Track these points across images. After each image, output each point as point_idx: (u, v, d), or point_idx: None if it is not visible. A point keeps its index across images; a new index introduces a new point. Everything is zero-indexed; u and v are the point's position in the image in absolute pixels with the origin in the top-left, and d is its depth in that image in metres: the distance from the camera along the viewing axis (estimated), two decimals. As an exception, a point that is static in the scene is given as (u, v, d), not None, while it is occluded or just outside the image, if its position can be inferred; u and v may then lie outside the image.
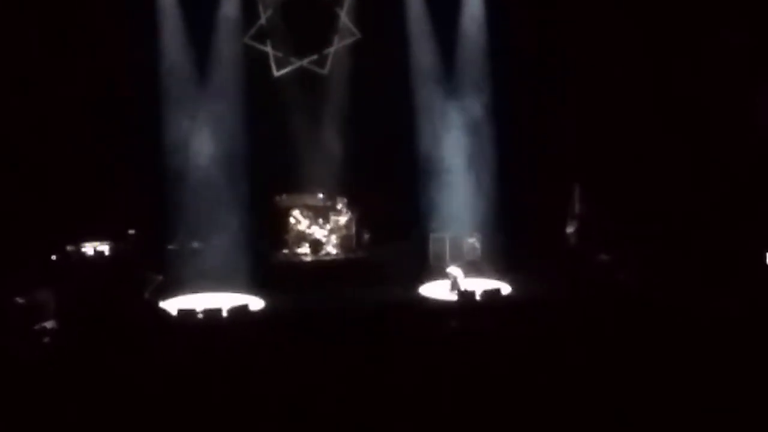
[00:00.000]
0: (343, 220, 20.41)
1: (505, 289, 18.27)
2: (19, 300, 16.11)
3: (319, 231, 20.24)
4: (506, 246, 19.64)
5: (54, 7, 18.77)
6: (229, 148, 19.47)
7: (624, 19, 19.79)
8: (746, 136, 19.47)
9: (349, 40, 20.71)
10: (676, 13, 19.61)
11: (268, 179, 20.07)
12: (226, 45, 20.02)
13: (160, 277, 18.26)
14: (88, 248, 18.69)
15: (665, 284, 16.80)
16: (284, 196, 20.59)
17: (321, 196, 20.64)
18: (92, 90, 18.87)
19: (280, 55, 20.57)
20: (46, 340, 15.49)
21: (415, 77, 20.73)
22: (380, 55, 20.32)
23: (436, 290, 18.67)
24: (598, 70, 19.97)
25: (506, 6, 20.19)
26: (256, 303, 17.64)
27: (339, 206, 20.47)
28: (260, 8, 20.36)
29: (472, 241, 20.23)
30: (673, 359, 12.52)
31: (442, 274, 19.04)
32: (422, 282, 19.03)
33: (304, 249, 20.21)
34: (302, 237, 20.28)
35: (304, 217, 20.30)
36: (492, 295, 17.42)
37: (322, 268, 19.90)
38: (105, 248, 18.77)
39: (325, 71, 20.73)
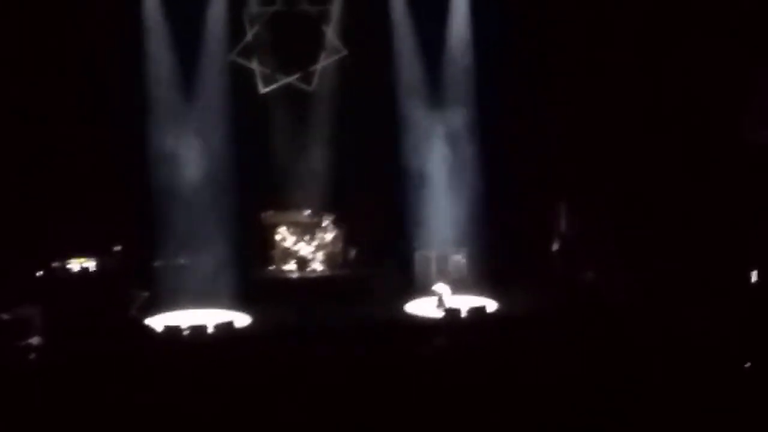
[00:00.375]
0: (329, 236, 20.44)
1: (491, 306, 18.27)
2: (4, 316, 16.13)
3: (306, 248, 20.29)
4: (492, 263, 19.66)
5: (41, 21, 18.79)
6: (216, 164, 19.53)
7: (612, 34, 19.82)
8: (736, 155, 19.50)
9: (335, 57, 20.74)
10: (667, 29, 19.62)
11: (254, 195, 20.11)
12: (213, 62, 20.09)
13: (146, 294, 18.29)
14: (74, 264, 18.67)
15: (650, 302, 16.83)
16: (270, 213, 20.63)
17: (307, 212, 20.68)
18: (77, 105, 18.88)
19: (266, 71, 20.60)
20: (32, 356, 15.48)
21: (402, 93, 20.74)
22: (366, 72, 20.37)
23: (422, 307, 18.61)
24: (585, 86, 19.99)
25: (491, 23, 20.18)
26: (241, 319, 17.59)
27: (325, 223, 20.52)
28: (246, 25, 20.38)
29: (458, 258, 20.23)
30: (657, 377, 12.55)
31: (428, 292, 19.01)
32: (408, 299, 18.97)
33: (291, 265, 20.28)
34: (288, 253, 20.33)
35: (291, 233, 20.37)
36: (478, 312, 17.44)
37: (308, 284, 19.97)
38: (90, 264, 18.75)
39: (312, 88, 20.77)
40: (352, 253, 20.61)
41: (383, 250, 20.32)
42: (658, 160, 19.55)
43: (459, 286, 19.17)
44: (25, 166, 18.66)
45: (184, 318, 17.46)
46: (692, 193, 19.29)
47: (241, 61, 20.44)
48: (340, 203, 20.60)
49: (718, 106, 19.48)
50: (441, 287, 18.68)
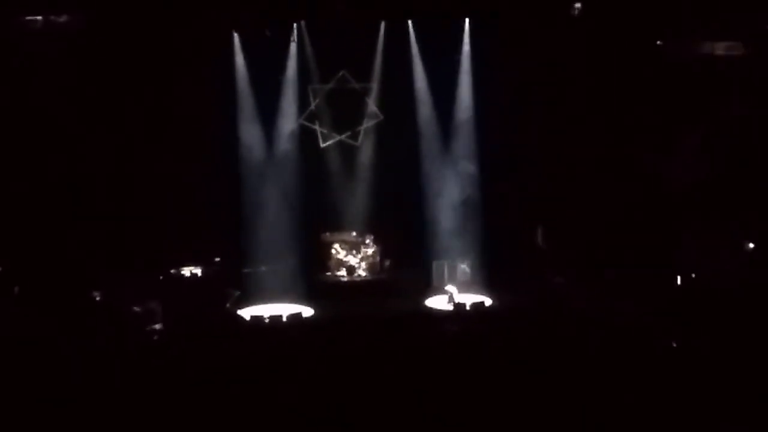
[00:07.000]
0: (370, 251, 20.65)
1: (488, 301, 18.47)
2: (136, 308, 16.42)
3: (353, 259, 20.55)
4: (489, 270, 19.73)
5: (165, 98, 19.31)
6: (290, 198, 19.95)
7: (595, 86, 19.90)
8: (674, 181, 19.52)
9: (375, 120, 20.99)
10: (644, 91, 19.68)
11: (316, 221, 20.38)
12: (287, 124, 20.55)
13: (238, 293, 18.55)
14: (186, 271, 18.95)
15: (604, 300, 16.87)
16: (328, 234, 20.83)
17: (354, 233, 20.87)
18: (193, 163, 19.34)
19: (325, 131, 20.89)
20: (156, 338, 15.81)
21: (423, 145, 20.85)
22: (398, 131, 20.62)
23: (437, 303, 18.88)
24: (560, 140, 19.99)
25: (489, 91, 20.19)
26: (307, 311, 17.95)
27: (367, 241, 20.71)
28: (311, 98, 20.73)
29: (464, 266, 20.31)
30: (600, 357, 12.61)
31: (441, 291, 19.22)
32: (427, 297, 19.14)
33: (342, 272, 20.56)
34: (340, 263, 20.59)
35: (342, 249, 20.61)
36: (478, 306, 17.70)
37: (355, 286, 20.14)
38: (198, 271, 19.05)
39: (358, 143, 21.03)
40: (387, 262, 20.79)
41: (409, 260, 20.44)
42: (611, 195, 19.53)
43: (465, 287, 19.32)
44: (151, 199, 19.02)
45: (265, 310, 17.84)
46: (637, 219, 19.24)
47: (306, 123, 20.77)
48: (378, 226, 20.75)
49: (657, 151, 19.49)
50: (451, 288, 18.91)
